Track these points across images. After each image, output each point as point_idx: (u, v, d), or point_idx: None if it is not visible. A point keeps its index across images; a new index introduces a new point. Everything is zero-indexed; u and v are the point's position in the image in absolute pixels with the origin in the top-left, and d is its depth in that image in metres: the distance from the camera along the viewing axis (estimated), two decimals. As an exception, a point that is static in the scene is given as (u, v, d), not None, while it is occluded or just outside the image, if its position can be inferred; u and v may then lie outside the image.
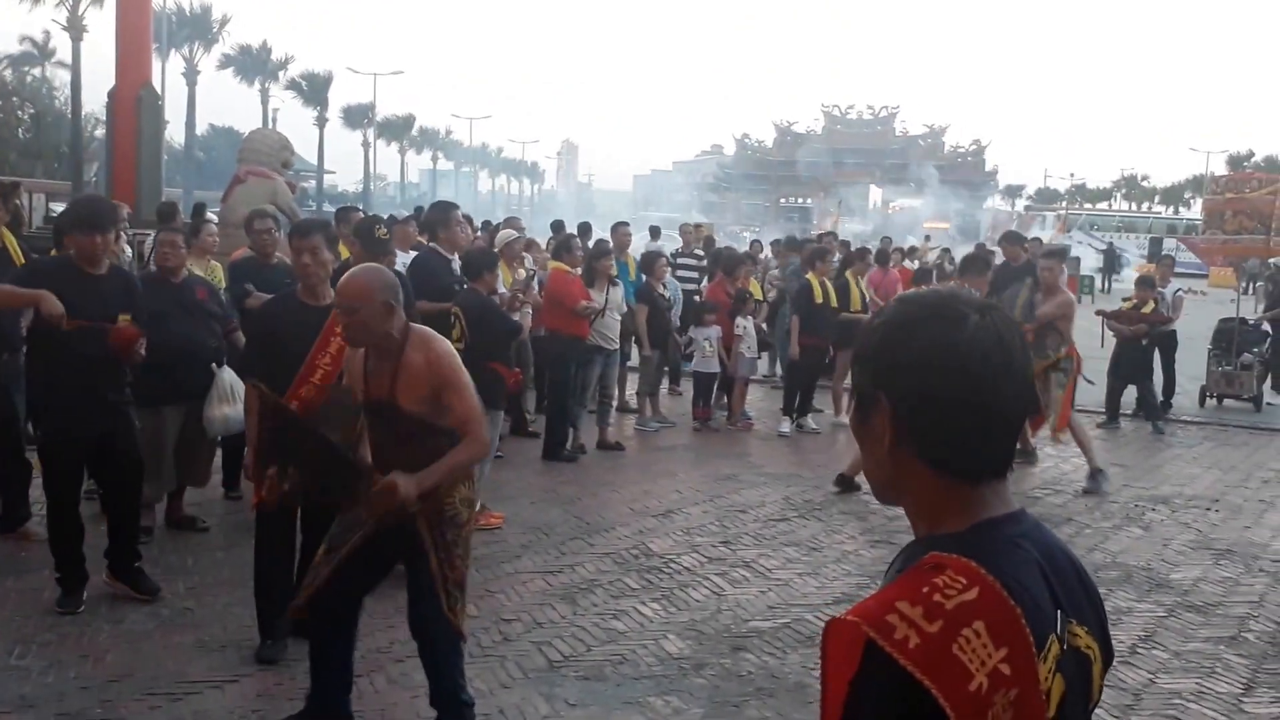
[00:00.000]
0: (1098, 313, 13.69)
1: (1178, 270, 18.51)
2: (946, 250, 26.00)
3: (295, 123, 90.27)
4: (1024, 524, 1.67)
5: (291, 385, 5.62)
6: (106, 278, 6.53)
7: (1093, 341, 15.25)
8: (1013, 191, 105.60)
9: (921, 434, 1.62)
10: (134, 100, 16.98)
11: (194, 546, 7.77)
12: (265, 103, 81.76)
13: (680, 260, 15.98)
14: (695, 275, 15.60)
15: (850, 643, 1.49)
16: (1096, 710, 5.31)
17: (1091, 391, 14.09)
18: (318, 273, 5.94)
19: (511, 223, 12.92)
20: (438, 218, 9.77)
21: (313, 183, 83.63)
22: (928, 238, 27.77)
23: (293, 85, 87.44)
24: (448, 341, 5.00)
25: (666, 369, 14.26)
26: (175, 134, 65.84)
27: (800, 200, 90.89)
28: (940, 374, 1.59)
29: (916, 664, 1.45)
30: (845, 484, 9.92)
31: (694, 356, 12.77)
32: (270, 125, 67.09)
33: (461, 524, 4.87)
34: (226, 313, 8.27)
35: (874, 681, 1.47)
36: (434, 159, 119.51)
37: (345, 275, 4.92)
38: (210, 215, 13.73)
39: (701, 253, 17.78)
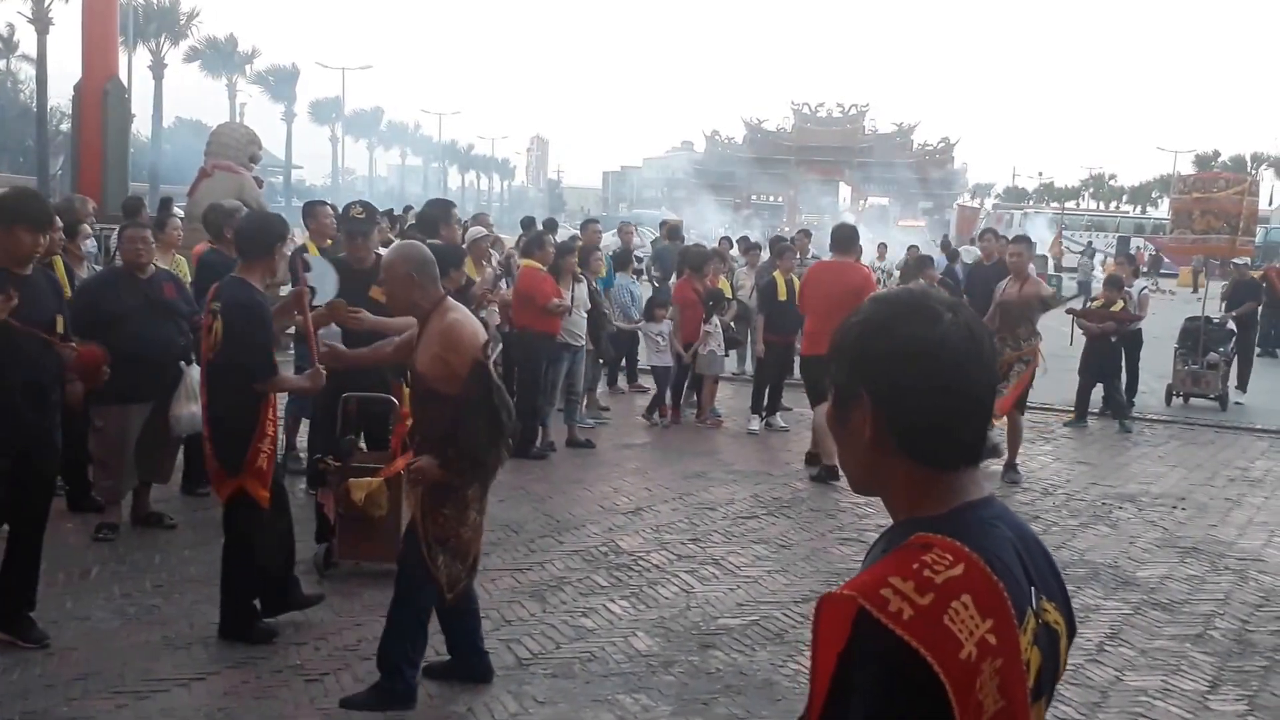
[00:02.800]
0: (1068, 311, 13.79)
1: (1145, 270, 18.56)
2: (914, 247, 26.08)
3: (263, 117, 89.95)
4: (996, 507, 1.78)
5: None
6: (34, 279, 6.00)
7: (1061, 340, 15.40)
8: (981, 190, 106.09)
9: (901, 426, 1.72)
10: (100, 94, 16.88)
11: (161, 543, 7.73)
12: (232, 97, 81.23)
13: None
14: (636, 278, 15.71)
15: (842, 616, 1.58)
16: (1062, 709, 5.36)
17: (1060, 390, 14.23)
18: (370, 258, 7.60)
19: (479, 219, 12.90)
20: (440, 214, 9.95)
21: (280, 178, 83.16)
22: (882, 244, 27.85)
23: (260, 79, 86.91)
24: (469, 315, 5.52)
25: (623, 364, 14.43)
26: (142, 128, 65.25)
27: (770, 198, 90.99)
28: (918, 368, 1.69)
29: (912, 634, 1.53)
30: (830, 473, 9.96)
31: (647, 353, 12.79)
32: (238, 119, 66.72)
33: (451, 486, 5.28)
34: (193, 308, 8.22)
35: (869, 652, 1.55)
36: (403, 155, 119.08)
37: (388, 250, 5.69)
38: (176, 210, 13.64)
39: (640, 256, 17.88)
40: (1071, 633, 1.85)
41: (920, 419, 1.71)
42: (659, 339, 12.73)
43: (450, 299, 5.50)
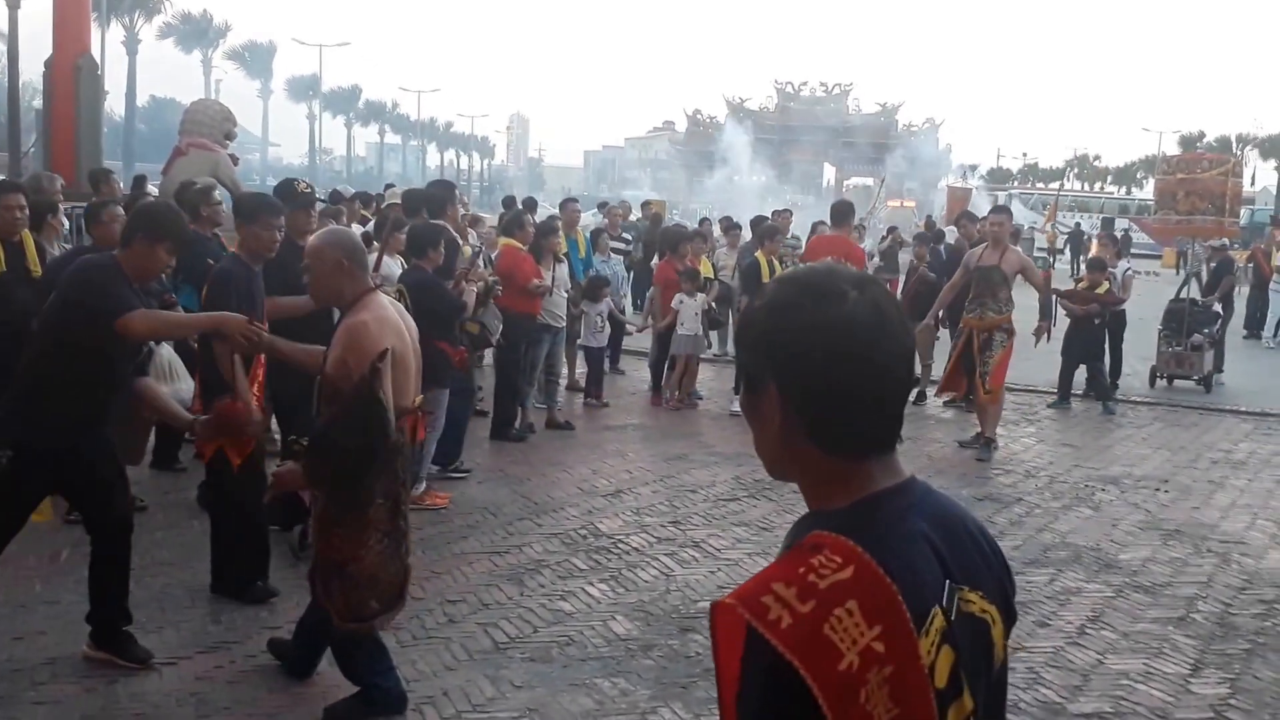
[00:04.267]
0: (1052, 291, 13.73)
1: (1131, 251, 18.54)
2: (894, 229, 25.96)
3: (239, 94, 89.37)
4: (912, 494, 1.70)
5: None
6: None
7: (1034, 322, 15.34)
8: (966, 171, 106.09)
9: (806, 413, 1.65)
10: (72, 70, 16.68)
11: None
12: (208, 73, 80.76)
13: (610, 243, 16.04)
14: (621, 258, 15.63)
15: (734, 624, 1.53)
16: (1043, 692, 5.32)
17: (1043, 371, 14.20)
18: (274, 246, 6.55)
19: (454, 198, 12.75)
20: (446, 196, 9.85)
21: (257, 155, 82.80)
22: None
23: (236, 56, 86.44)
24: (389, 312, 4.94)
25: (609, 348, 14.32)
26: (115, 105, 64.82)
27: (754, 178, 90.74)
28: (821, 353, 1.61)
29: (786, 644, 1.47)
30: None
31: (582, 332, 12.68)
32: (213, 97, 66.30)
33: (351, 505, 4.76)
34: (164, 287, 8.12)
35: (755, 662, 1.51)
36: (381, 132, 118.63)
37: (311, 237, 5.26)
38: (151, 188, 13.51)
39: (629, 236, 17.79)
40: (1009, 619, 1.78)
41: (824, 406, 1.64)
42: (598, 319, 12.61)
43: (377, 295, 4.97)
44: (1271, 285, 21.21)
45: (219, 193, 15.12)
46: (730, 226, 17.12)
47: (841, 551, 1.55)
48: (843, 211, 12.41)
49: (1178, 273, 16.07)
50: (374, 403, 4.61)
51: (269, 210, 6.64)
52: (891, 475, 1.69)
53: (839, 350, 1.61)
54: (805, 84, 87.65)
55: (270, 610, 6.27)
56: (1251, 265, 22.74)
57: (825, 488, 1.69)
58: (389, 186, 14.39)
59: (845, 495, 1.66)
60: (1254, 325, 22.07)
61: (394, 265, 9.00)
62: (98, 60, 18.53)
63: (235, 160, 15.78)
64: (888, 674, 1.49)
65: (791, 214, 19.25)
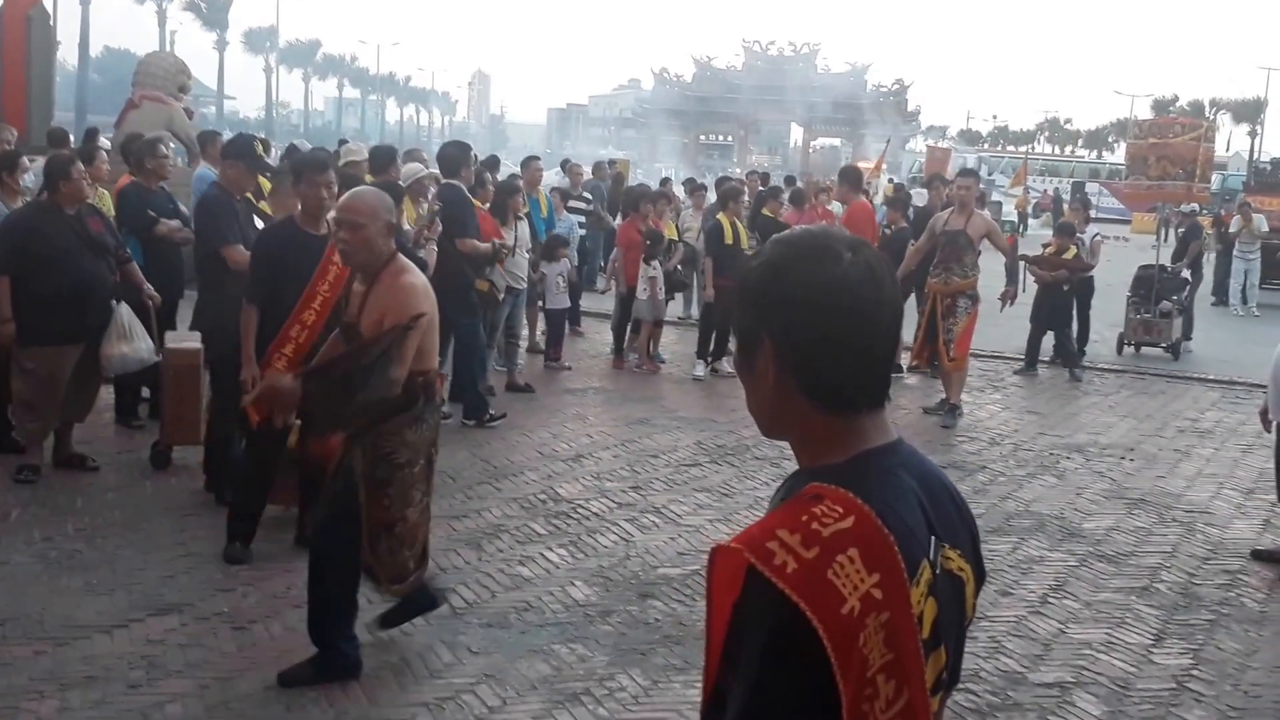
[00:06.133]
0: (1019, 257, 13.71)
1: (1100, 215, 18.51)
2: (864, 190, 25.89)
3: (194, 46, 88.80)
4: (901, 453, 1.76)
5: (294, 310, 6.00)
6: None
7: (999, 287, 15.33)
8: (935, 132, 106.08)
9: (802, 369, 1.70)
10: (23, 20, 16.27)
11: (84, 486, 7.51)
12: (162, 24, 79.45)
13: (569, 203, 15.93)
14: (581, 219, 15.52)
15: (734, 568, 1.58)
16: (1005, 661, 5.30)
17: (1010, 338, 14.20)
18: (329, 205, 6.06)
19: (414, 155, 12.55)
20: (459, 156, 10.05)
21: (213, 108, 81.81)
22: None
23: (191, 6, 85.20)
24: (424, 279, 5.07)
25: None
26: (68, 56, 63.85)
27: (720, 138, 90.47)
28: (818, 310, 1.67)
29: (793, 588, 1.52)
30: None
31: (545, 295, 12.56)
32: (168, 48, 65.33)
33: (398, 465, 4.90)
34: (119, 243, 7.97)
35: (755, 605, 1.55)
36: (339, 86, 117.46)
37: (350, 193, 5.12)
38: (103, 141, 13.24)
39: (590, 195, 17.64)
40: (980, 579, 1.85)
41: (820, 362, 1.69)
42: (559, 279, 12.48)
43: (401, 255, 5.06)
44: (1235, 252, 21.31)
45: (174, 146, 14.92)
46: (695, 188, 16.99)
47: (842, 502, 1.60)
48: (858, 177, 13.33)
49: (1162, 238, 16.10)
50: (385, 361, 4.76)
51: (316, 168, 6.45)
52: (884, 433, 1.75)
53: (834, 306, 1.66)
54: (773, 43, 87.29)
55: (223, 573, 6.18)
56: (1220, 229, 22.82)
57: (819, 445, 1.73)
58: (343, 142, 14.14)
59: (840, 451, 1.71)
60: (1222, 292, 22.20)
61: None
62: (49, 11, 18.12)
63: (190, 114, 15.54)
64: (884, 620, 1.55)
65: (765, 176, 19.08)
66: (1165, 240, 16.50)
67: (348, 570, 5.08)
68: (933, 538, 1.70)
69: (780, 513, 1.64)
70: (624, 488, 8.26)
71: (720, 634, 1.62)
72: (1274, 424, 7.45)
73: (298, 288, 6.04)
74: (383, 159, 9.79)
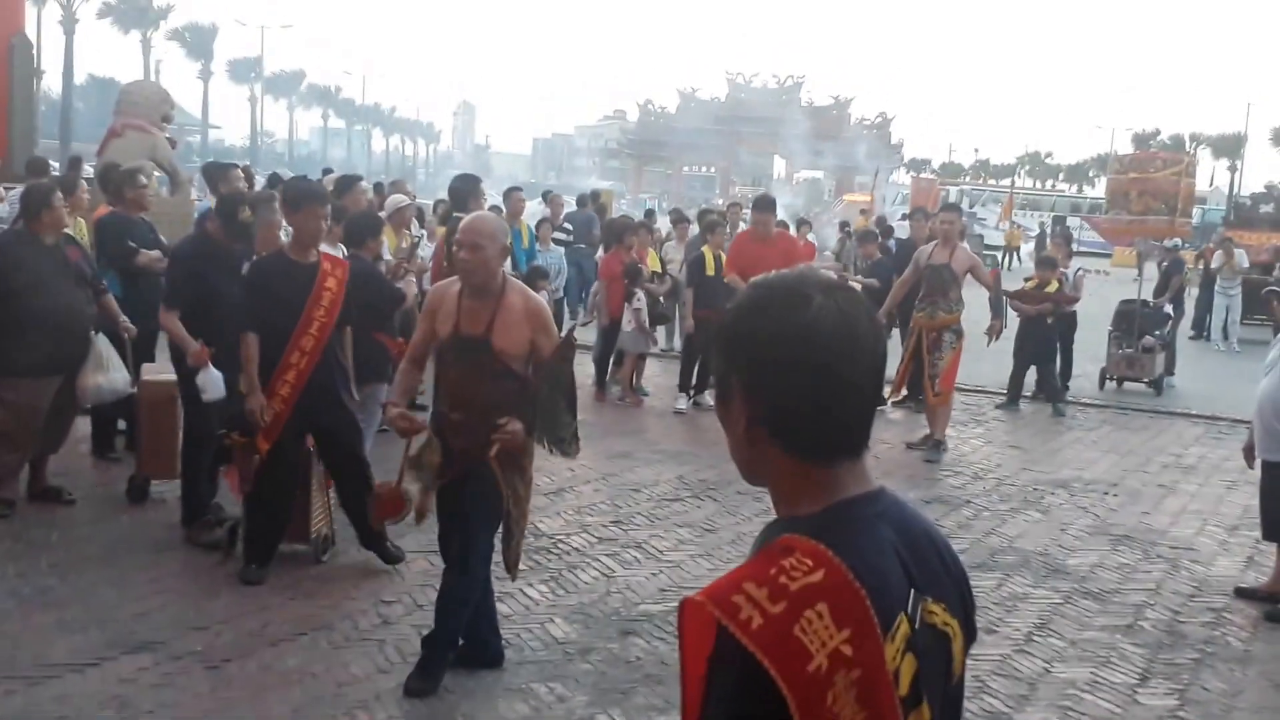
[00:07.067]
0: (1003, 292, 13.71)
1: (1081, 249, 18.56)
2: (845, 223, 25.91)
3: (179, 75, 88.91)
4: (881, 503, 1.70)
5: (293, 335, 6.39)
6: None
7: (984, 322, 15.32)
8: (918, 165, 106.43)
9: (773, 417, 1.65)
10: (4, 48, 16.24)
11: (59, 520, 7.42)
12: (147, 54, 79.38)
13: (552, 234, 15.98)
14: (560, 250, 15.58)
15: (704, 623, 1.54)
16: (989, 701, 5.22)
17: (993, 372, 14.18)
18: (321, 236, 6.78)
19: (398, 186, 12.56)
20: (469, 190, 10.24)
21: (197, 137, 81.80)
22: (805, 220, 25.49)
23: (176, 36, 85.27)
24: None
25: None
26: (53, 84, 63.76)
27: (704, 169, 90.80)
28: (785, 357, 1.62)
29: (758, 644, 1.48)
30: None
31: None
32: (153, 77, 65.34)
33: (529, 480, 5.48)
34: (96, 273, 7.91)
35: (724, 660, 1.52)
36: (324, 116, 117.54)
37: (472, 216, 5.58)
38: (87, 168, 13.19)
39: (569, 226, 17.65)
40: (970, 634, 1.80)
41: (790, 409, 1.64)
42: None
43: (510, 277, 5.45)
44: (1216, 287, 21.39)
45: (159, 175, 14.85)
46: (679, 220, 16.97)
47: (813, 555, 1.56)
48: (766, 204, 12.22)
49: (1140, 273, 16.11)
50: (570, 365, 5.42)
51: (314, 199, 6.75)
52: (861, 483, 1.69)
53: (798, 356, 1.62)
54: (757, 75, 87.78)
55: (198, 610, 6.09)
56: (1201, 266, 22.94)
57: (795, 494, 1.69)
58: (327, 171, 14.08)
59: (815, 501, 1.66)
60: (1201, 327, 22.29)
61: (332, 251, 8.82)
62: (31, 39, 18.07)
63: (173, 143, 15.47)
64: (855, 677, 1.51)
65: (741, 207, 19.06)
66: (1143, 275, 16.49)
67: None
68: (912, 590, 1.65)
69: (750, 565, 1.60)
70: (605, 522, 8.19)
71: (695, 690, 1.58)
72: (1258, 461, 7.42)
73: (290, 316, 6.41)
74: (459, 195, 10.32)
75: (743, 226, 16.15)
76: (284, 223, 7.48)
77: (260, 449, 6.41)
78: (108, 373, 7.56)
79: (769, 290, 1.68)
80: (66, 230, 7.91)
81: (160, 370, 8.03)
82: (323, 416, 6.65)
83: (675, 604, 5.63)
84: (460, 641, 5.52)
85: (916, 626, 1.63)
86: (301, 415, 6.52)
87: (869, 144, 72.65)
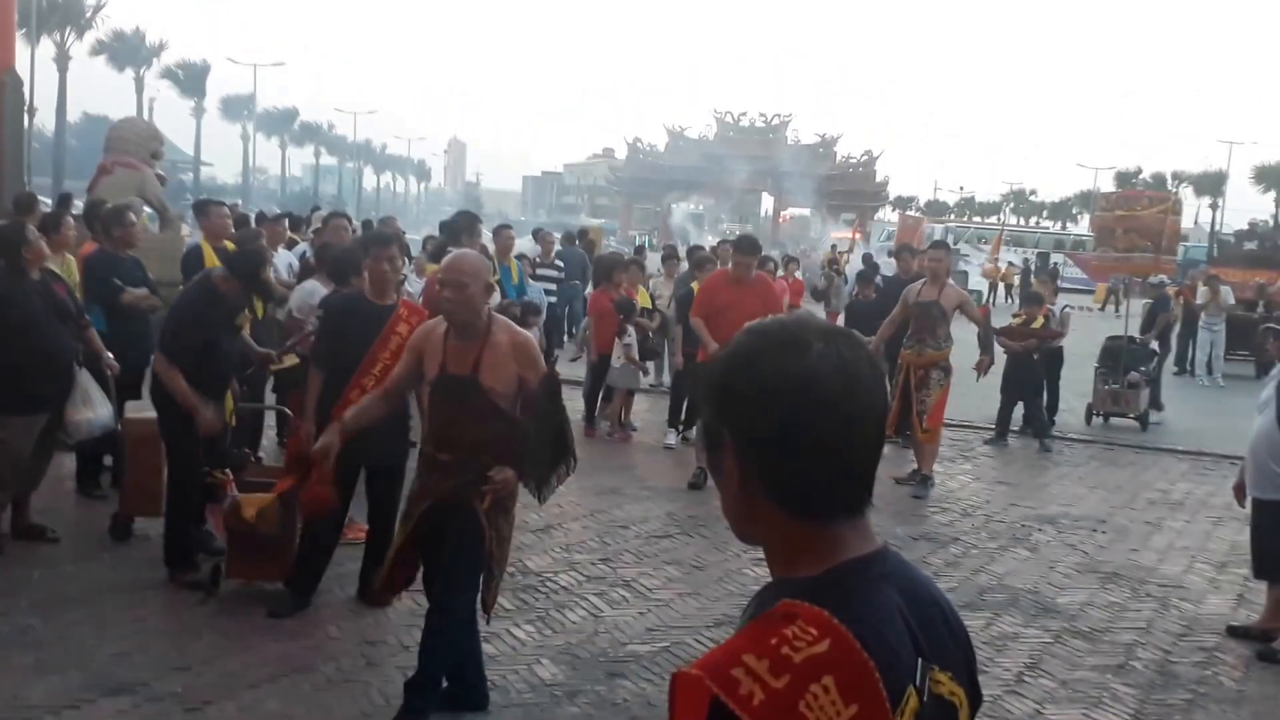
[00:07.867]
0: (990, 327, 13.70)
1: (1064, 285, 18.56)
2: (834, 261, 25.96)
3: (172, 113, 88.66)
4: (885, 564, 1.60)
5: (355, 375, 6.47)
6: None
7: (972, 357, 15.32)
8: (903, 203, 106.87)
9: (767, 472, 1.54)
10: (-4, 86, 16.21)
11: (41, 558, 7.33)
12: (140, 91, 79.50)
13: (540, 270, 15.95)
14: (553, 287, 15.53)
15: (698, 697, 1.43)
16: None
17: (980, 407, 14.15)
18: (394, 278, 6.92)
19: (387, 224, 12.56)
20: (468, 226, 10.48)
21: (190, 174, 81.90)
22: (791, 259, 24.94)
23: (169, 74, 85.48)
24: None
25: None
26: (46, 122, 63.76)
27: (692, 206, 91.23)
28: (780, 407, 1.51)
29: None
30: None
31: None
32: (147, 115, 65.41)
33: (512, 520, 5.46)
34: (81, 309, 7.86)
35: None
36: (316, 153, 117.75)
37: (453, 255, 5.60)
38: (76, 204, 13.17)
39: (561, 264, 17.70)
40: (976, 702, 1.68)
41: (785, 465, 1.52)
42: None
43: (495, 313, 5.40)
44: (1200, 323, 21.47)
45: (148, 212, 14.83)
46: (669, 256, 16.99)
47: (817, 623, 1.45)
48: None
49: (1104, 308, 16.12)
50: (560, 397, 5.35)
51: (379, 244, 6.95)
52: (865, 542, 1.59)
53: (795, 406, 1.50)
54: (744, 114, 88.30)
55: (180, 650, 6.01)
56: (1182, 303, 23.02)
57: (792, 553, 1.57)
58: (315, 209, 14.09)
59: (815, 562, 1.55)
60: (1183, 362, 22.39)
61: (320, 288, 8.77)
62: (23, 77, 18.05)
63: (163, 180, 15.46)
64: None
65: (729, 245, 19.09)
66: (1120, 311, 16.58)
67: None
68: (919, 660, 1.54)
69: (748, 634, 1.49)
70: (593, 560, 8.12)
71: None
72: (1249, 499, 7.39)
73: (357, 355, 6.52)
74: (455, 231, 10.69)
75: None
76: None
77: (280, 488, 6.48)
78: (93, 407, 7.51)
79: (767, 336, 1.57)
80: (50, 266, 7.87)
81: (144, 408, 7.96)
82: (373, 456, 6.64)
83: (663, 644, 5.61)
84: (445, 684, 5.44)
85: (924, 699, 1.53)
86: (355, 452, 6.37)
87: (855, 181, 73.19)
